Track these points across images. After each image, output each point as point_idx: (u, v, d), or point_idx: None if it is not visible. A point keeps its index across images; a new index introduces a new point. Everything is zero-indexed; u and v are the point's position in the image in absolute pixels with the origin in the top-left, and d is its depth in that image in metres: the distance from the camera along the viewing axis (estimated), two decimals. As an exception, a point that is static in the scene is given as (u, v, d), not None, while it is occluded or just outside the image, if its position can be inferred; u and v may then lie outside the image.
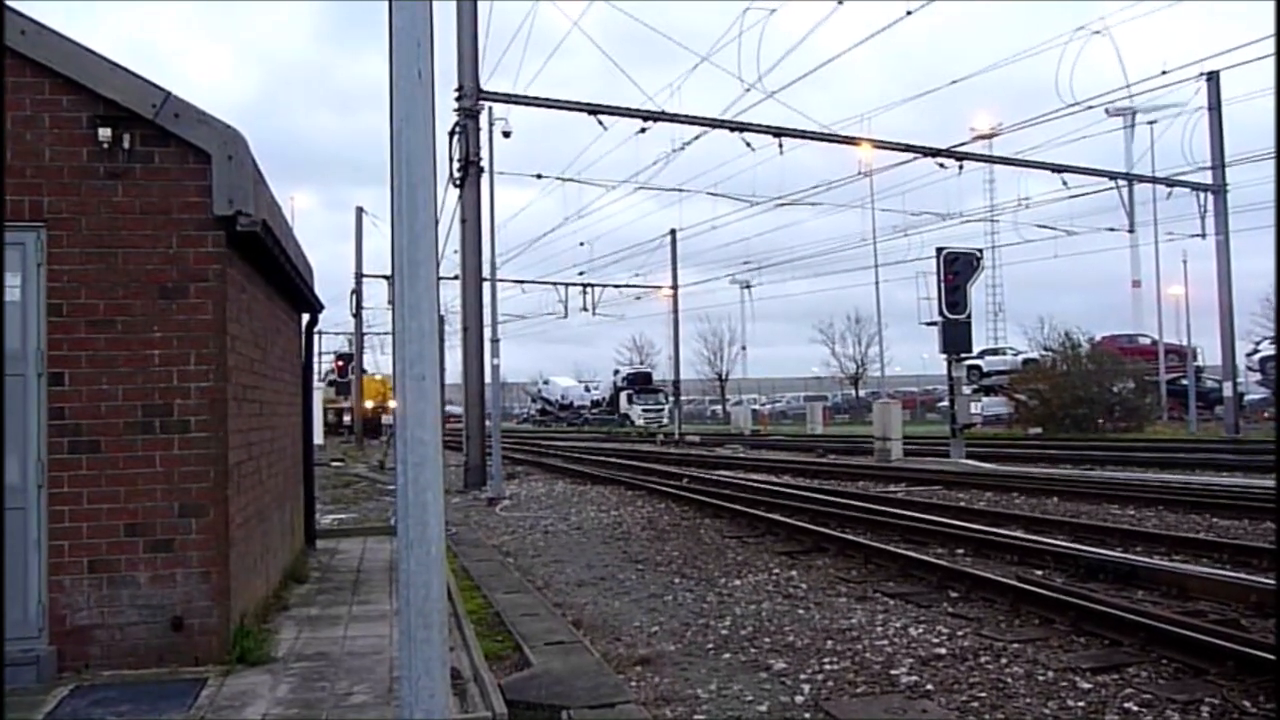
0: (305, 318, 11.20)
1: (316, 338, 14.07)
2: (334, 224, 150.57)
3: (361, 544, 11.74)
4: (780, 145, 26.20)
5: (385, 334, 58.15)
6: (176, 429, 6.10)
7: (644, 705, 5.69)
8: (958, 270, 24.51)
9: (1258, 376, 40.46)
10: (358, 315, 46.29)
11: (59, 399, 5.97)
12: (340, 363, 60.56)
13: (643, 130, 25.18)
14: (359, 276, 45.24)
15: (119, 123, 6.04)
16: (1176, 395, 41.14)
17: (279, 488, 8.96)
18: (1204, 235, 33.31)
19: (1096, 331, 42.75)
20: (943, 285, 24.38)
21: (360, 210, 45.62)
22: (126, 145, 6.07)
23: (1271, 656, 5.72)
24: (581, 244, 45.74)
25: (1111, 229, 34.19)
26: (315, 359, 12.31)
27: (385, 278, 44.53)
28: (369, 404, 48.40)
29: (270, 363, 8.40)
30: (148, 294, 6.10)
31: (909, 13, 21.24)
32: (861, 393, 74.82)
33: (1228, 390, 33.65)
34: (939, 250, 24.83)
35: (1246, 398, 41.29)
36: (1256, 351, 39.51)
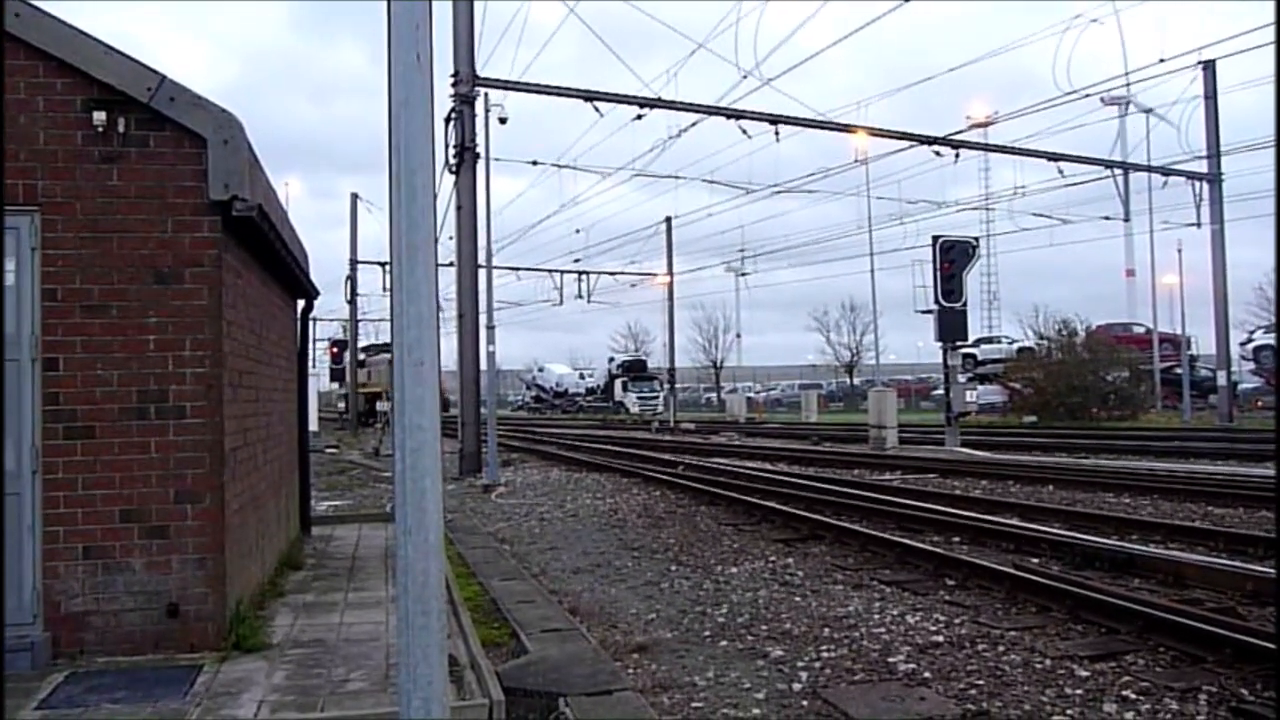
0: (301, 303, 11.16)
1: (311, 324, 14.03)
2: (318, 212, 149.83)
3: (357, 530, 11.74)
4: (776, 133, 26.17)
5: (379, 320, 58.26)
6: (172, 415, 6.07)
7: (641, 693, 5.67)
8: (953, 258, 24.48)
9: (1251, 365, 40.57)
10: (353, 301, 46.22)
11: (53, 384, 5.94)
12: (335, 349, 60.45)
13: (639, 117, 25.14)
14: (354, 262, 45.16)
15: (114, 106, 6.00)
16: (1171, 384, 41.32)
17: (275, 474, 8.94)
18: (1199, 224, 33.34)
19: (1091, 320, 42.87)
20: (938, 273, 24.36)
21: (355, 196, 45.53)
22: (121, 129, 6.02)
23: (1270, 645, 5.73)
24: (577, 231, 45.76)
25: (1106, 218, 34.26)
26: (310, 345, 12.27)
27: (380, 264, 44.50)
28: None
29: (266, 349, 8.36)
30: (143, 279, 6.07)
31: (905, -1, 21.16)
32: (856, 381, 74.91)
33: (1222, 379, 33.77)
34: (935, 238, 24.78)
35: (1240, 386, 41.43)
36: (1250, 340, 39.61)
